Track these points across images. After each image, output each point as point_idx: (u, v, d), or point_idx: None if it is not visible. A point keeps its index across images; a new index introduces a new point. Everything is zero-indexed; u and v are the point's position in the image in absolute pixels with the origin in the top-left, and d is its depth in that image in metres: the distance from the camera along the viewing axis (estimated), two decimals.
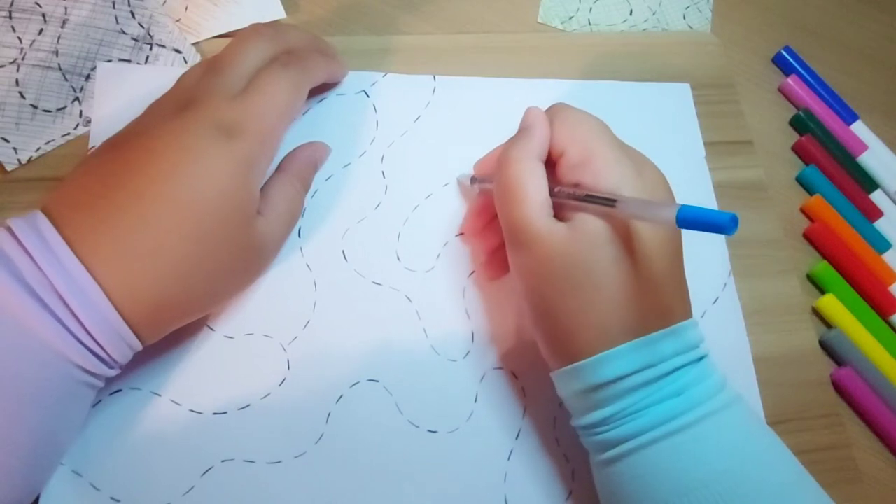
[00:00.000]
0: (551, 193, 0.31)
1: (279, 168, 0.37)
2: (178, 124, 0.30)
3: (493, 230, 0.37)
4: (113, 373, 0.30)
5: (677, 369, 0.29)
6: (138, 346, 0.30)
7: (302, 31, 0.39)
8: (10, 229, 0.27)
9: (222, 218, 0.30)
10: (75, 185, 0.30)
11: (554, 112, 0.34)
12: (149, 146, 0.30)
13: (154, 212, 0.29)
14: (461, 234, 0.39)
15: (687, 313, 0.31)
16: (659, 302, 0.30)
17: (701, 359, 0.30)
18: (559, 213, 0.31)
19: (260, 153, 0.32)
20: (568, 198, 0.31)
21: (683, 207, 0.25)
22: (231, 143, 0.30)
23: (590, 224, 0.30)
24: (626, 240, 0.30)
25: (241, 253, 0.32)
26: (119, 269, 0.28)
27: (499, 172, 0.33)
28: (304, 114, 0.40)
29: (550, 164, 0.33)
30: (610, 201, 0.29)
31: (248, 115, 0.31)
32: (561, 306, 0.30)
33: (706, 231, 0.24)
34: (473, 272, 0.39)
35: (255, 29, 0.35)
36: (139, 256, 0.28)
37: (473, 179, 0.39)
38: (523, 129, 0.34)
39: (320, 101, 0.41)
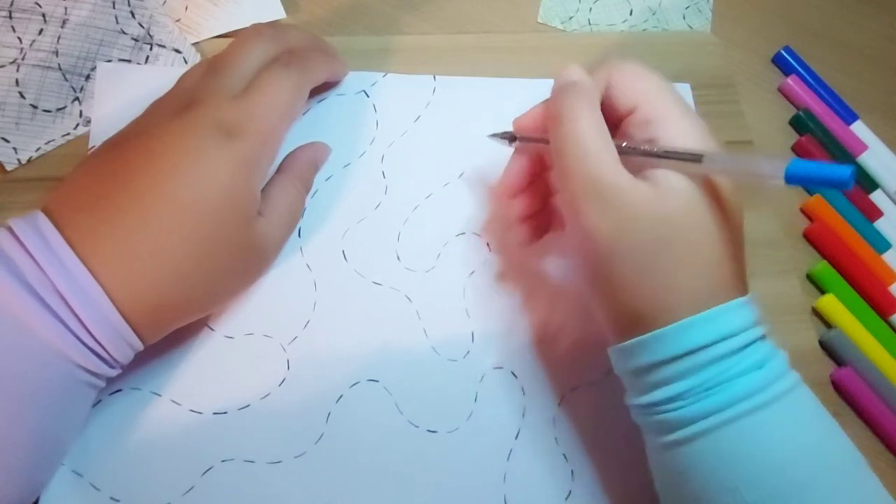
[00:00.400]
0: (618, 149, 0.29)
1: (280, 169, 0.37)
2: (179, 124, 0.31)
3: (532, 193, 0.35)
4: (114, 372, 0.30)
5: (755, 341, 0.27)
6: (139, 346, 0.30)
7: (303, 30, 0.39)
8: (10, 230, 0.27)
9: (223, 219, 0.30)
10: (76, 185, 0.30)
11: (612, 66, 0.32)
12: (149, 146, 0.30)
13: (155, 212, 0.29)
14: (497, 195, 0.39)
15: (747, 286, 0.29)
16: (740, 266, 0.28)
17: (768, 334, 0.28)
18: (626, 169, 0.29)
19: (261, 153, 0.32)
20: (641, 154, 0.29)
21: (795, 162, 0.23)
22: (232, 143, 0.30)
23: (671, 179, 0.28)
24: (712, 197, 0.28)
25: (241, 253, 0.32)
26: (120, 269, 0.28)
27: (558, 127, 0.30)
28: (304, 114, 0.40)
29: (616, 120, 0.31)
30: (696, 157, 0.27)
31: (248, 115, 0.31)
32: (644, 268, 0.28)
33: (822, 187, 0.23)
34: (474, 272, 0.39)
35: (256, 29, 0.35)
36: (140, 257, 0.28)
37: (512, 139, 0.35)
38: (569, 84, 0.31)
39: (320, 101, 0.41)
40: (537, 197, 0.36)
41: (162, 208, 0.29)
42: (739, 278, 0.28)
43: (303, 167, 0.38)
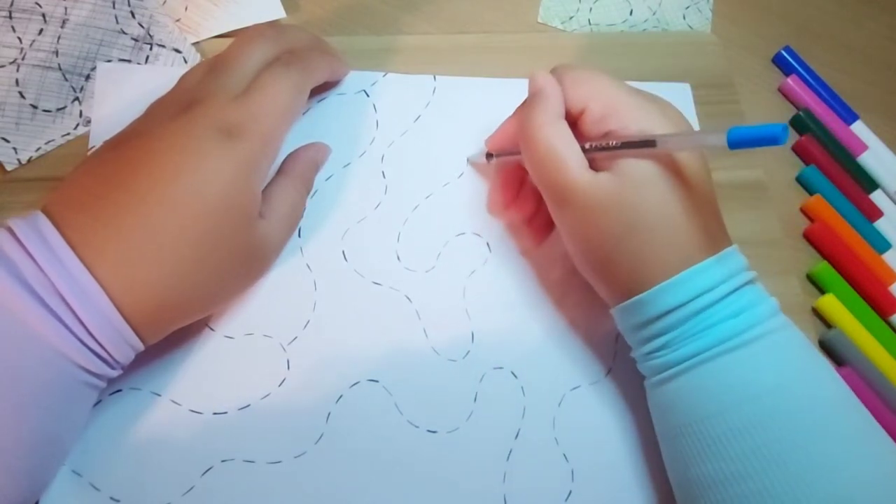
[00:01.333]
0: (583, 150, 0.32)
1: (280, 170, 0.37)
2: (180, 125, 0.30)
3: (523, 199, 0.38)
4: (115, 373, 0.30)
5: (732, 292, 0.30)
6: (140, 347, 0.30)
7: (303, 30, 0.39)
8: (10, 230, 0.27)
9: (224, 220, 0.30)
10: (76, 185, 0.30)
11: (561, 73, 0.34)
12: (150, 147, 0.30)
13: (156, 213, 0.29)
14: (490, 210, 0.40)
15: (728, 240, 0.32)
16: (706, 230, 0.31)
17: (751, 282, 0.31)
18: (594, 166, 0.32)
19: (262, 154, 0.32)
20: (603, 150, 0.32)
21: (733, 129, 0.26)
22: (233, 144, 0.30)
23: (631, 167, 0.31)
24: (671, 174, 0.31)
25: (242, 255, 0.32)
26: (121, 269, 0.28)
27: (526, 141, 0.33)
28: (304, 113, 0.40)
29: (570, 122, 0.33)
30: (649, 142, 0.30)
31: (249, 115, 0.31)
32: (619, 252, 0.31)
33: (759, 146, 0.25)
34: (474, 272, 0.39)
35: (257, 29, 0.35)
36: (140, 257, 0.28)
37: (489, 156, 0.39)
38: (535, 94, 0.34)
39: (320, 100, 0.41)
40: (530, 202, 0.38)
41: (163, 209, 0.29)
42: (709, 240, 0.31)
43: (304, 168, 0.38)
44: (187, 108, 0.31)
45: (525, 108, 0.34)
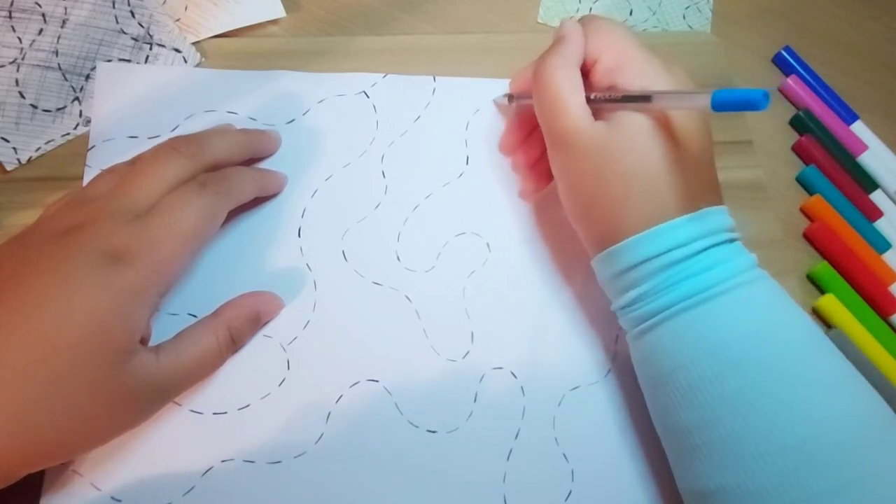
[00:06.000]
0: (588, 100, 0.33)
1: (214, 312, 0.34)
2: (58, 248, 0.28)
3: (531, 143, 0.39)
4: None
5: (705, 249, 0.31)
6: None
7: (238, 136, 0.37)
8: None
9: (85, 357, 0.27)
10: None
11: (585, 22, 0.35)
12: (17, 272, 0.28)
13: (4, 349, 0.26)
14: (501, 149, 0.41)
15: (716, 201, 0.33)
16: (688, 189, 0.32)
17: (731, 241, 0.32)
18: (596, 117, 0.33)
19: (150, 284, 0.29)
20: (605, 101, 0.33)
21: (717, 92, 0.27)
22: (117, 270, 0.28)
23: (626, 118, 0.32)
24: (661, 129, 0.32)
25: (109, 396, 0.28)
26: None
27: (537, 80, 0.34)
28: (304, 114, 0.40)
29: (584, 72, 0.34)
30: (645, 97, 0.31)
31: (143, 240, 0.29)
32: (602, 196, 0.32)
33: (741, 110, 0.27)
34: (474, 272, 0.39)
35: (173, 144, 0.33)
36: None
37: (511, 98, 0.40)
38: (558, 39, 0.35)
39: (320, 101, 0.41)
40: (537, 147, 0.39)
41: (11, 344, 0.26)
42: (690, 198, 0.31)
43: (237, 316, 0.34)
44: (76, 227, 0.29)
45: (545, 52, 0.35)
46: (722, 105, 0.27)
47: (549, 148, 0.34)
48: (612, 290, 0.34)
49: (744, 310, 0.30)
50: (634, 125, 0.32)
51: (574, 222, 0.35)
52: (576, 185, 0.33)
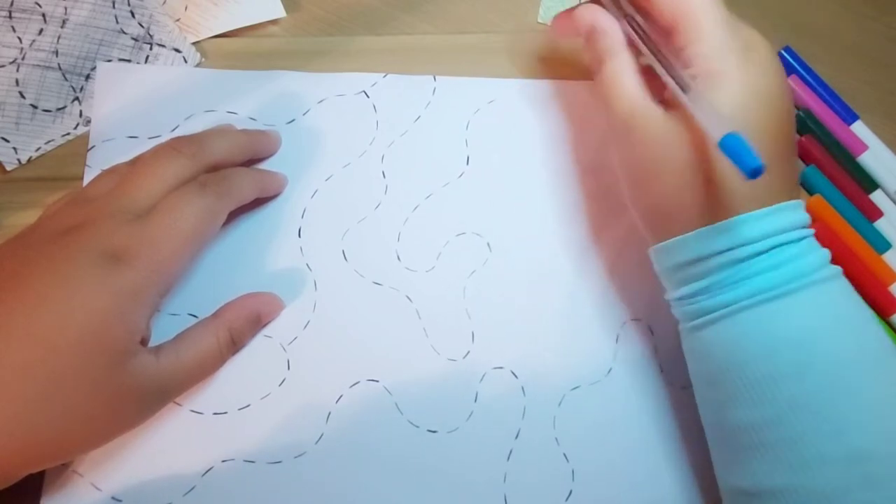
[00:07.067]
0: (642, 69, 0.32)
1: (214, 313, 0.34)
2: (59, 249, 0.28)
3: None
4: None
5: (778, 246, 0.30)
6: None
7: (238, 136, 0.37)
8: None
9: (85, 357, 0.27)
10: None
11: None
12: (17, 272, 0.28)
13: (4, 349, 0.26)
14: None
15: (790, 194, 0.31)
16: (759, 181, 0.30)
17: (802, 238, 0.31)
18: (664, 96, 0.32)
19: (150, 284, 0.29)
20: (657, 72, 0.32)
21: (727, 137, 0.27)
22: (117, 271, 0.28)
23: (683, 114, 0.30)
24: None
25: (109, 396, 0.28)
26: None
27: (599, 77, 0.34)
28: (303, 114, 0.40)
29: (664, 31, 0.33)
30: (685, 86, 0.30)
31: (143, 240, 0.29)
32: (658, 187, 0.31)
33: (736, 164, 0.26)
34: (474, 272, 0.39)
35: (174, 145, 0.33)
36: None
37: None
38: (590, 34, 0.34)
39: (320, 101, 0.41)
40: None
41: (11, 344, 0.26)
42: (764, 191, 0.30)
43: (237, 318, 0.34)
44: (76, 227, 0.29)
45: (601, 53, 0.34)
46: (725, 149, 0.27)
47: (611, 132, 0.34)
48: (672, 280, 0.33)
49: (814, 309, 0.30)
50: (685, 122, 0.30)
51: (635, 209, 0.34)
52: (639, 173, 0.32)
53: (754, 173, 0.26)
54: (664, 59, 0.31)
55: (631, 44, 0.33)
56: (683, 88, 0.30)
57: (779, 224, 0.30)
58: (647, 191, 0.32)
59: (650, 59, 0.32)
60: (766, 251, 0.30)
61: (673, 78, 0.30)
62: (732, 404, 0.30)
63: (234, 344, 0.34)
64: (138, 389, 0.29)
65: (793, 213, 0.31)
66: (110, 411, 0.29)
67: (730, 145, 0.27)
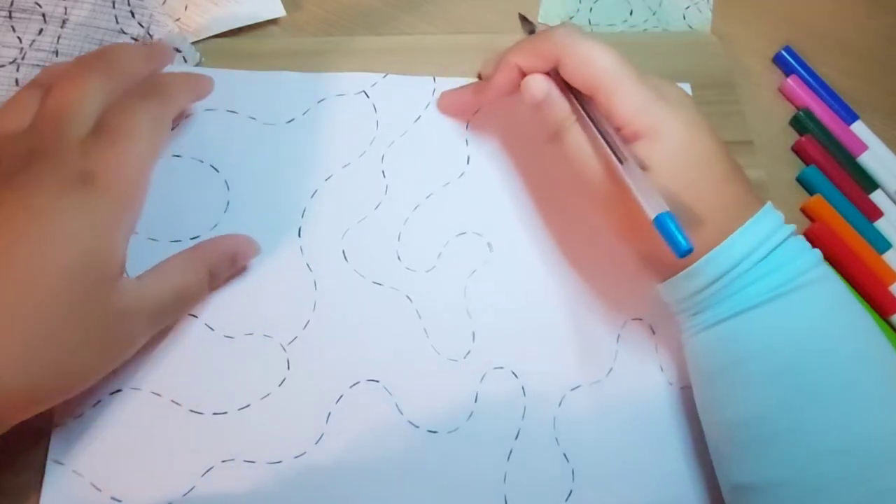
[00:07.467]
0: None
1: (191, 248, 0.34)
2: (22, 182, 0.27)
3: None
4: None
5: (772, 251, 0.31)
6: None
7: (135, 46, 0.35)
8: None
9: (76, 284, 0.27)
10: None
11: (562, 47, 0.33)
12: None
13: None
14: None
15: (759, 200, 0.33)
16: (734, 197, 0.32)
17: (790, 236, 0.32)
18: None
19: (123, 207, 0.28)
20: (601, 136, 0.32)
21: (660, 217, 0.28)
22: (87, 198, 0.27)
23: (647, 155, 0.31)
24: (687, 155, 0.32)
25: (98, 323, 0.28)
26: None
27: (554, 140, 0.35)
28: (303, 114, 0.40)
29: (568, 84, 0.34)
30: (622, 158, 0.31)
31: (106, 164, 0.28)
32: (645, 236, 0.31)
33: (668, 244, 0.28)
34: (474, 272, 0.39)
35: (83, 64, 0.31)
36: None
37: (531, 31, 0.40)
38: (538, 105, 0.35)
39: (320, 101, 0.41)
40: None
41: (4, 281, 0.25)
42: (740, 206, 0.32)
43: (214, 254, 0.34)
44: (32, 158, 0.27)
45: (549, 113, 0.35)
46: (659, 228, 0.28)
47: (598, 209, 0.35)
48: (679, 306, 0.35)
49: (811, 307, 0.31)
50: (660, 163, 0.31)
51: (639, 253, 0.37)
52: (619, 226, 0.35)
53: (684, 254, 0.27)
54: (604, 130, 0.32)
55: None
56: (620, 160, 0.31)
57: (764, 230, 0.31)
58: (639, 239, 0.34)
59: (589, 132, 0.33)
60: (763, 259, 0.31)
61: (611, 150, 0.31)
62: (732, 401, 0.31)
63: (213, 280, 0.34)
64: (127, 314, 0.29)
65: (771, 216, 0.32)
66: (103, 337, 0.28)
67: (662, 225, 0.28)
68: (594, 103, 0.33)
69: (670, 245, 0.28)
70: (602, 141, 0.32)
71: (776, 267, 0.31)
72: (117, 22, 0.41)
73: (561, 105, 0.34)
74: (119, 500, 0.32)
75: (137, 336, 0.30)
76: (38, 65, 0.39)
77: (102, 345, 0.29)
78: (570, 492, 0.35)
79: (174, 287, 0.32)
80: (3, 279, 0.25)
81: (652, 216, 0.28)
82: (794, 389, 0.30)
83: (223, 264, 0.35)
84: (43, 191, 0.27)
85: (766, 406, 0.30)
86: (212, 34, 0.42)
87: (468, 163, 0.41)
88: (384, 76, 0.42)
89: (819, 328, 0.30)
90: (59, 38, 0.40)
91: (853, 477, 0.28)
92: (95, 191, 0.27)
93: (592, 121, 0.33)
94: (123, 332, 0.29)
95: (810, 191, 0.46)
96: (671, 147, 0.31)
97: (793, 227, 0.32)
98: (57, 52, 0.40)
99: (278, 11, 0.43)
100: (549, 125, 0.35)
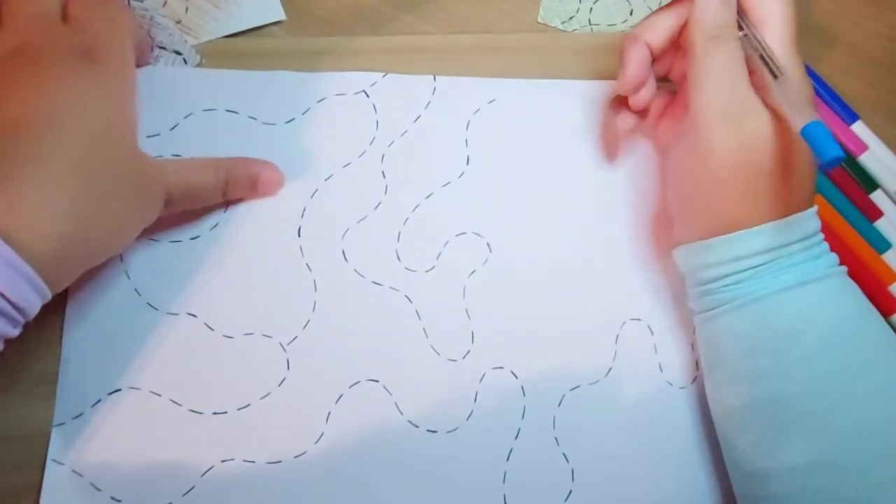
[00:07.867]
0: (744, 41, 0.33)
1: (217, 158, 0.36)
2: (33, 60, 0.29)
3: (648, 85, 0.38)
4: (15, 332, 0.27)
5: (794, 254, 0.32)
6: (47, 294, 0.28)
7: None
8: None
9: (107, 147, 0.29)
10: None
11: None
12: (8, 96, 0.28)
13: (42, 149, 0.27)
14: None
15: (806, 203, 0.34)
16: (781, 193, 0.33)
17: (817, 244, 0.33)
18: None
19: (128, 78, 0.31)
20: (750, 49, 0.33)
21: (810, 125, 0.28)
22: (96, 70, 0.29)
23: (753, 127, 0.32)
24: (780, 139, 0.32)
25: (131, 182, 0.30)
26: (14, 209, 0.26)
27: (695, 55, 0.34)
28: (303, 114, 0.40)
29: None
30: (777, 73, 0.31)
31: (99, 40, 0.30)
32: (732, 181, 0.33)
33: (816, 154, 0.27)
34: (474, 272, 0.39)
35: None
36: (33, 195, 0.27)
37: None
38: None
39: (320, 101, 0.41)
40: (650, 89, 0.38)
41: (48, 143, 0.27)
42: (783, 202, 0.32)
43: (237, 168, 0.36)
44: (29, 44, 0.29)
45: (705, 45, 0.34)
46: (807, 137, 0.28)
47: (712, 123, 0.34)
48: (694, 278, 0.35)
49: (836, 295, 0.32)
50: (759, 131, 0.32)
51: (673, 204, 0.36)
52: (721, 167, 0.33)
53: (833, 162, 0.27)
54: (766, 44, 0.33)
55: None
56: (774, 74, 0.31)
57: (793, 233, 0.32)
58: (719, 185, 0.33)
59: (746, 44, 0.33)
60: (783, 257, 0.32)
61: (768, 62, 0.32)
62: (765, 380, 0.32)
63: (228, 188, 0.36)
64: (151, 177, 0.31)
65: (806, 223, 0.33)
66: (136, 199, 0.31)
67: (812, 134, 0.27)
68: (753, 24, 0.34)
69: (819, 153, 0.27)
70: (763, 54, 0.32)
71: (820, 253, 0.33)
72: None
73: (727, 14, 0.34)
74: (119, 500, 0.32)
75: (158, 202, 0.32)
76: None
77: (138, 205, 0.31)
78: (570, 492, 0.35)
79: (189, 180, 0.34)
80: (56, 137, 0.27)
81: (802, 124, 0.28)
82: (835, 368, 0.30)
83: (243, 181, 0.37)
84: (57, 67, 0.29)
85: (808, 384, 0.31)
86: (213, 37, 0.42)
87: (468, 163, 0.41)
88: (384, 76, 0.42)
89: (858, 311, 0.32)
90: None
91: (876, 461, 0.29)
92: (100, 65, 0.30)
93: (753, 32, 0.33)
94: (148, 194, 0.32)
95: None
96: (777, 125, 0.32)
97: (821, 236, 0.34)
98: None
99: (278, 15, 0.43)
100: (705, 30, 0.34)
